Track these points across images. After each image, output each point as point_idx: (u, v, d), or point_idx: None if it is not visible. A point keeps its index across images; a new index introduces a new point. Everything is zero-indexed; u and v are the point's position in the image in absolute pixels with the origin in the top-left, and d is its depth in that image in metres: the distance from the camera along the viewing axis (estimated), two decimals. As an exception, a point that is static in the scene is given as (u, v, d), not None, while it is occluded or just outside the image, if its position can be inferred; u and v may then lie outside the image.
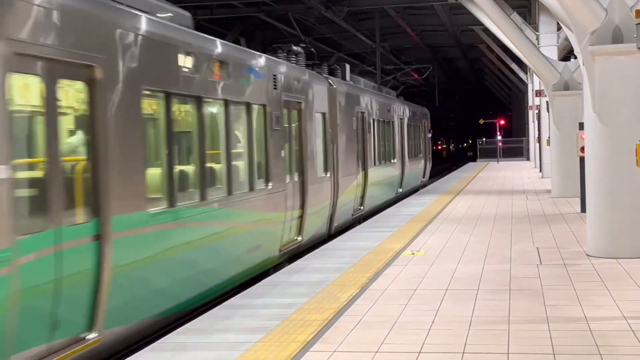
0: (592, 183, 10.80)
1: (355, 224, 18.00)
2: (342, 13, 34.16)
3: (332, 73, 18.11)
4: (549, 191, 21.86)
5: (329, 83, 16.40)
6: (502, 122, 65.94)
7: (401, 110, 26.53)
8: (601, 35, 10.25)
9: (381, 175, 21.96)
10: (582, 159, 14.81)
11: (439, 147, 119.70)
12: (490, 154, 53.44)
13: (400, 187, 25.85)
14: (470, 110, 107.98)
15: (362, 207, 19.02)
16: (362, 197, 19.22)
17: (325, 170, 15.44)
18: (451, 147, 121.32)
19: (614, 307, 7.55)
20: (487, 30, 31.91)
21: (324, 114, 15.66)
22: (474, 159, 58.90)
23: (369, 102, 20.52)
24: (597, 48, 10.30)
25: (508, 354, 6.07)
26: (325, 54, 56.21)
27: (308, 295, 8.56)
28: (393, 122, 24.59)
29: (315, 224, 14.36)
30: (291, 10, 34.40)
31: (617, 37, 10.18)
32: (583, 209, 15.51)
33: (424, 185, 31.94)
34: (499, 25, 19.53)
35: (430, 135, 35.13)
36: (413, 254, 11.36)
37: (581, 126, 14.52)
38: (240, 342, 6.66)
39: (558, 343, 6.31)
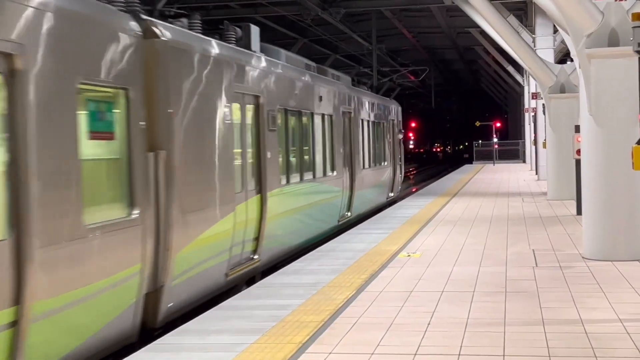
0: (588, 185, 10.82)
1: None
2: (339, 14, 34.17)
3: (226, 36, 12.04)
4: (544, 193, 21.89)
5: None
6: (499, 124, 66.05)
7: (349, 101, 18.77)
8: (597, 38, 10.27)
9: (298, 200, 13.80)
10: (578, 162, 14.83)
11: (437, 150, 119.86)
12: (487, 156, 53.49)
13: (349, 210, 18.41)
14: (466, 112, 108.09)
15: (255, 257, 11.42)
16: (257, 239, 11.51)
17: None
18: (447, 149, 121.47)
19: (609, 310, 7.56)
20: (483, 33, 31.95)
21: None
22: (470, 161, 58.93)
23: (279, 85, 12.86)
24: (593, 51, 10.32)
25: (504, 356, 6.08)
26: (322, 55, 56.29)
27: (304, 296, 8.56)
28: (330, 117, 16.78)
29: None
30: (287, 11, 34.43)
31: (613, 40, 10.20)
32: (579, 212, 15.53)
33: (393, 202, 24.93)
34: (496, 27, 19.55)
35: (401, 136, 27.28)
36: (409, 255, 11.36)
37: (577, 129, 14.55)
38: (236, 343, 6.66)
39: (553, 345, 6.32)
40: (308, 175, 14.81)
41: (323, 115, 16.30)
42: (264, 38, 45.71)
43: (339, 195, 17.35)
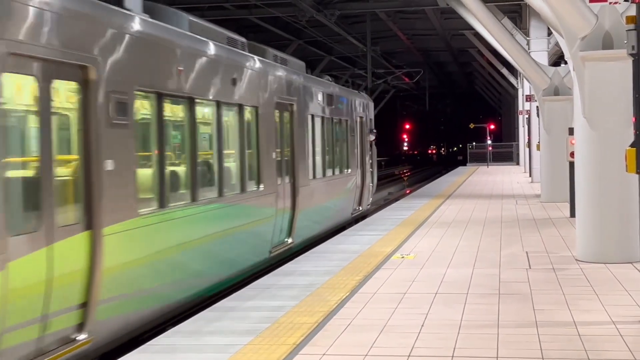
0: (581, 188, 10.84)
1: None
2: (333, 16, 34.21)
3: None
4: (538, 196, 21.93)
5: None
6: (492, 126, 66.14)
7: (291, 90, 14.19)
8: (592, 41, 10.29)
9: (185, 233, 9.37)
10: (571, 164, 14.86)
11: (432, 152, 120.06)
12: (480, 158, 53.58)
13: (289, 234, 14.06)
14: (460, 114, 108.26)
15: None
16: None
17: None
18: (442, 151, 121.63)
19: (602, 312, 7.58)
20: (478, 35, 32.02)
21: None
22: (464, 163, 59.01)
23: (145, 56, 8.57)
24: (587, 53, 10.35)
25: (497, 357, 6.09)
26: (317, 57, 56.34)
27: (298, 298, 8.56)
28: (254, 109, 12.19)
29: None
30: (282, 12, 34.44)
31: (607, 43, 10.23)
32: (572, 214, 15.56)
33: (360, 218, 20.10)
34: (490, 30, 19.59)
35: (373, 138, 22.11)
36: (403, 257, 11.37)
37: (571, 131, 14.58)
38: (230, 344, 6.65)
39: (547, 347, 6.33)
40: (208, 193, 10.24)
41: (240, 107, 11.45)
42: (258, 39, 45.53)
43: (271, 218, 12.68)
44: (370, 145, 22.20)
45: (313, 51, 52.28)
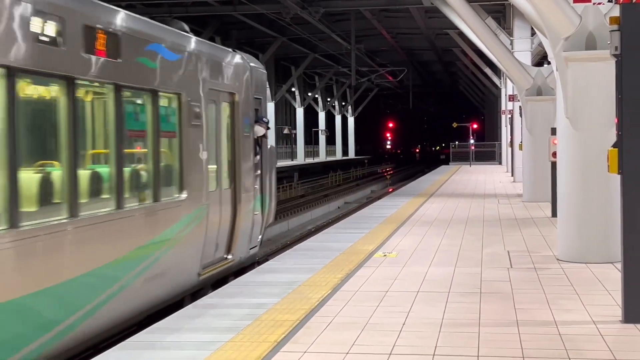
0: (563, 188, 10.88)
1: None
2: (318, 14, 34.20)
3: None
4: (520, 195, 22.01)
5: None
6: (475, 125, 66.33)
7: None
8: (575, 41, 10.33)
9: None
10: (553, 164, 14.92)
11: (416, 150, 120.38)
12: (463, 157, 53.74)
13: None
14: (444, 113, 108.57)
15: None
16: None
17: None
18: (425, 149, 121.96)
19: (583, 312, 7.60)
20: (461, 34, 32.11)
21: None
22: (446, 161, 59.18)
23: None
24: (570, 54, 10.38)
25: (478, 356, 6.09)
26: (301, 54, 56.32)
27: (279, 295, 8.54)
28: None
29: None
30: (267, 9, 34.38)
31: (590, 44, 10.26)
32: (554, 214, 15.62)
33: (240, 271, 11.98)
34: (474, 29, 19.64)
35: (263, 132, 12.58)
36: (385, 255, 11.38)
37: (553, 131, 14.63)
38: (211, 341, 6.62)
39: (527, 346, 6.34)
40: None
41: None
42: (242, 36, 45.31)
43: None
44: (258, 145, 12.46)
45: (297, 48, 52.28)
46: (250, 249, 12.16)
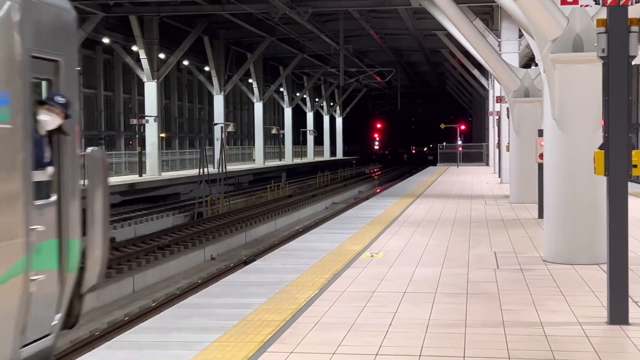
0: (549, 189, 10.92)
1: None
2: (306, 14, 34.19)
3: None
4: (507, 196, 22.07)
5: None
6: (463, 127, 66.48)
7: None
8: (562, 43, 10.36)
9: None
10: (540, 166, 14.95)
11: (401, 151, 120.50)
12: (451, 158, 53.85)
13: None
14: (431, 114, 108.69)
15: None
16: None
17: None
18: (412, 150, 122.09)
19: (569, 313, 7.63)
20: (449, 36, 32.14)
21: None
22: (434, 162, 59.29)
23: None
24: (558, 56, 10.41)
25: (464, 357, 6.10)
26: (289, 54, 56.27)
27: (266, 295, 8.53)
28: None
29: None
30: (255, 9, 34.34)
31: (577, 46, 10.29)
32: (540, 215, 15.65)
33: None
34: (462, 30, 19.67)
35: (58, 123, 5.30)
36: (372, 256, 11.38)
37: (540, 133, 14.67)
38: (197, 341, 6.61)
39: (514, 347, 6.36)
40: None
41: None
42: (231, 35, 45.34)
43: None
44: (50, 146, 5.50)
45: (285, 48, 52.25)
46: (25, 345, 5.15)
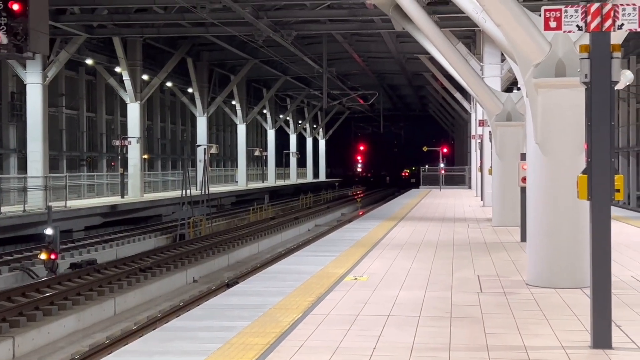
0: (532, 213, 10.96)
1: None
2: (290, 37, 34.32)
3: None
4: (489, 219, 22.13)
5: None
6: (445, 150, 66.70)
7: None
8: (545, 68, 10.44)
9: None
10: (523, 189, 15.02)
11: (384, 174, 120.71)
12: (433, 181, 53.98)
13: None
14: (414, 137, 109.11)
15: None
16: None
17: None
18: (395, 173, 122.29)
19: (552, 337, 7.64)
20: (432, 59, 32.35)
21: None
22: (417, 185, 59.41)
23: None
24: (540, 80, 10.49)
25: (448, 381, 6.09)
26: (272, 76, 56.42)
27: (250, 318, 8.49)
28: None
29: None
30: (239, 32, 34.43)
31: (560, 71, 10.38)
32: (523, 238, 15.70)
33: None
34: (445, 54, 19.78)
35: None
36: (356, 279, 11.36)
37: (523, 156, 14.75)
38: (180, 365, 6.55)
39: (498, 371, 6.35)
40: None
41: None
42: (214, 57, 45.55)
43: None
44: None
45: (269, 70, 52.38)
46: None
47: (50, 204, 28.39)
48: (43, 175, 31.58)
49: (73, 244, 27.03)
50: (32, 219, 26.95)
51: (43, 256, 21.70)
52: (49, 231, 22.50)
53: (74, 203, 32.55)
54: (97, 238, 29.36)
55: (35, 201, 29.99)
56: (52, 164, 38.94)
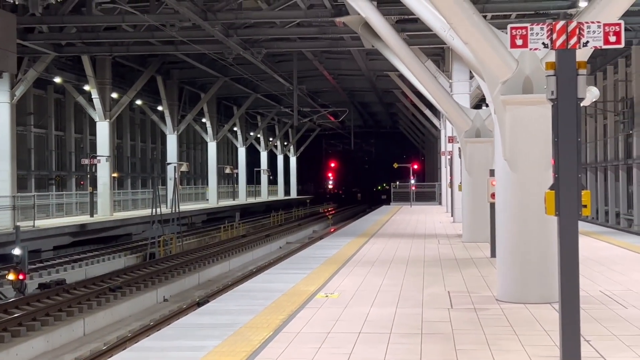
0: (501, 229, 11.03)
1: None
2: (260, 54, 34.35)
3: None
4: (460, 235, 22.23)
5: None
6: (416, 166, 67.00)
7: None
8: (512, 85, 10.55)
9: None
10: (492, 205, 15.11)
11: (355, 190, 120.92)
12: (404, 197, 54.16)
13: None
14: (385, 154, 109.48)
15: None
16: None
17: None
18: (366, 189, 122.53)
19: (522, 352, 7.67)
20: (402, 76, 32.53)
21: None
22: (387, 201, 59.57)
23: None
24: (508, 97, 10.60)
25: (419, 398, 6.09)
26: (242, 94, 56.41)
27: (220, 337, 8.44)
28: None
29: None
30: (209, 50, 34.41)
31: (527, 87, 10.49)
32: (493, 254, 15.80)
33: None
34: (414, 72, 19.92)
35: None
36: (327, 296, 11.35)
37: (492, 172, 14.86)
38: (149, 386, 6.50)
39: (468, 387, 6.36)
40: None
41: None
42: (184, 75, 45.51)
43: None
44: None
45: (239, 88, 52.38)
46: None
47: (18, 223, 28.10)
48: (11, 195, 31.25)
49: (42, 264, 26.75)
50: (0, 239, 26.64)
51: (11, 277, 21.43)
52: (17, 251, 22.24)
53: (43, 222, 32.24)
54: (66, 258, 29.06)
55: (3, 221, 29.68)
56: (20, 183, 38.57)
